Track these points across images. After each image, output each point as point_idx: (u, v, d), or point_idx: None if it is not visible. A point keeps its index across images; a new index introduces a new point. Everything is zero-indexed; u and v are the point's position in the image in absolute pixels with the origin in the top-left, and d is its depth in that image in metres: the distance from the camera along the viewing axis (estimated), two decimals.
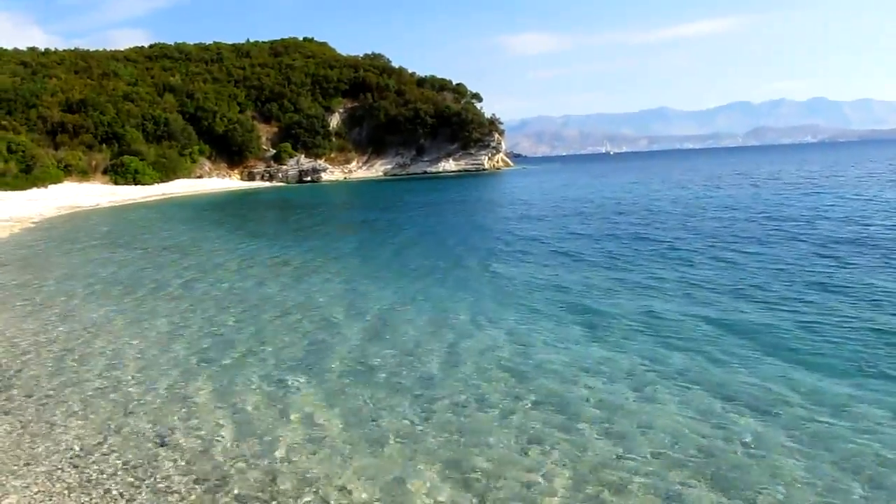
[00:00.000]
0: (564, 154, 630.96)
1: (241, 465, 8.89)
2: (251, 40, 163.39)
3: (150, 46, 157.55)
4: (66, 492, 8.28)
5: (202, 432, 9.93)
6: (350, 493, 8.08)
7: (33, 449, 9.52)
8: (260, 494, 8.15)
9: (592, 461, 8.60)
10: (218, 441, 9.62)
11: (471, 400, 10.77)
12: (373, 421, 10.11)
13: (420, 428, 9.81)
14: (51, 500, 8.11)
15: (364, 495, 8.02)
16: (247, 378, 12.22)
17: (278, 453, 9.15)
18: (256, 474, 8.61)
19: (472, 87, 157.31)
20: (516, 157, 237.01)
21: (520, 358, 12.83)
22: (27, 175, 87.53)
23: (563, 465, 8.54)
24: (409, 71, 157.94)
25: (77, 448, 9.50)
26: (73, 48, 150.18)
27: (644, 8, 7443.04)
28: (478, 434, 9.50)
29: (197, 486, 8.35)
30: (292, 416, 10.40)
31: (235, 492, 8.22)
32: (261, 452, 9.20)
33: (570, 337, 14.07)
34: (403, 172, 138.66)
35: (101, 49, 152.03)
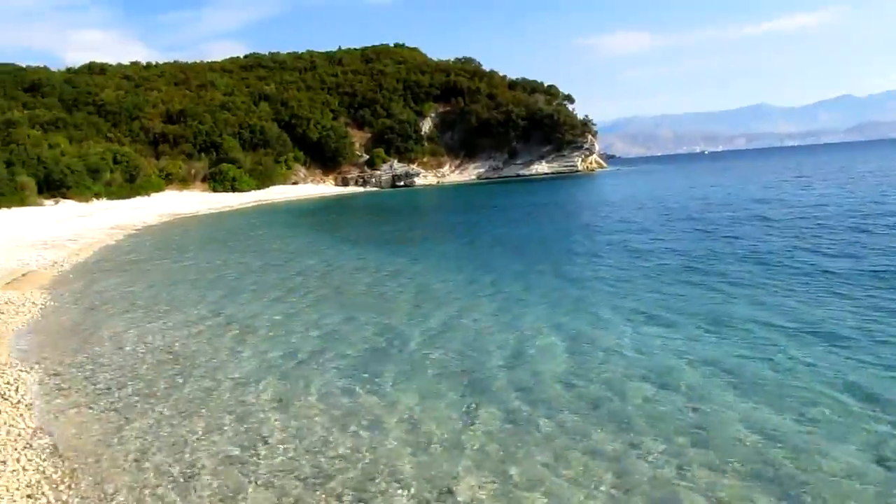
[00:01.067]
0: (659, 154, 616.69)
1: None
2: (343, 48, 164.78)
3: (246, 57, 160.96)
4: (170, 486, 8.38)
5: (305, 433, 9.75)
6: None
7: (140, 444, 9.62)
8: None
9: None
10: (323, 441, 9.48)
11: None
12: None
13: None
14: (156, 493, 8.22)
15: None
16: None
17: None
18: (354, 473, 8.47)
19: (564, 89, 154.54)
20: (610, 159, 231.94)
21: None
22: (131, 184, 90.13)
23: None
24: (501, 74, 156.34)
25: (183, 445, 9.53)
26: (172, 61, 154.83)
27: (741, 2, 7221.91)
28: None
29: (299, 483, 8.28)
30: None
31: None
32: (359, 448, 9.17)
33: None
34: (496, 175, 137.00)
35: (198, 61, 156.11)
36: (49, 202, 71.21)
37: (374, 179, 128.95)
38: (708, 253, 23.65)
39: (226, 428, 10.00)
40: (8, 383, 12.45)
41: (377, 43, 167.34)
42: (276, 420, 10.22)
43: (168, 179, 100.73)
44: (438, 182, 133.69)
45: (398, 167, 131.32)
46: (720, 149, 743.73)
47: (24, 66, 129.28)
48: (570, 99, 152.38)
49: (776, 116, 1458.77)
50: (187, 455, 9.14)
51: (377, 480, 8.17)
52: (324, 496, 7.87)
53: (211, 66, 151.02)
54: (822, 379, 10.39)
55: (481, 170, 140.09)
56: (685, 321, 14.48)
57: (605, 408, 9.96)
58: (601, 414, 9.76)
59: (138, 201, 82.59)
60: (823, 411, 9.27)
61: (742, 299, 16.16)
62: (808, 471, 7.74)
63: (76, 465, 8.99)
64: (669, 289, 18.12)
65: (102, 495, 8.17)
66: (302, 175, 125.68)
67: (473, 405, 10.34)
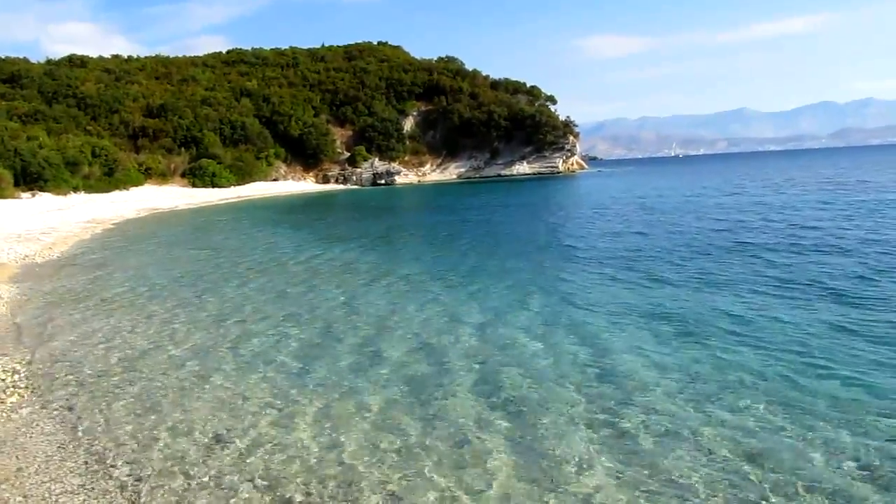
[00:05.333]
0: (640, 157, 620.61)
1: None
2: (326, 45, 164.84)
3: (228, 52, 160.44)
4: (117, 490, 8.22)
5: (253, 432, 9.74)
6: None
7: (91, 446, 9.46)
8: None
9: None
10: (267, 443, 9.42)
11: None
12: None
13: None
14: (104, 496, 8.08)
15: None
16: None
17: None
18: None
19: (547, 90, 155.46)
20: (592, 160, 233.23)
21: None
22: (110, 178, 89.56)
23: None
24: (483, 74, 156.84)
25: (137, 447, 9.39)
26: (153, 55, 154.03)
27: (725, 7, 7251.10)
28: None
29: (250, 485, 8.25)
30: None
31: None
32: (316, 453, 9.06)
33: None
34: (477, 175, 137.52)
35: (180, 56, 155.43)
36: (26, 195, 70.68)
37: (354, 177, 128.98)
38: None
39: (182, 426, 9.92)
40: None
41: (360, 41, 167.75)
42: (232, 419, 10.15)
43: (147, 174, 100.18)
44: (419, 181, 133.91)
45: (379, 165, 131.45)
46: (702, 152, 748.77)
47: (2, 56, 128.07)
48: (552, 100, 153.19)
49: (757, 121, 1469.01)
50: (140, 457, 9.00)
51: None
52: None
53: (192, 61, 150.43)
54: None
55: (462, 169, 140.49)
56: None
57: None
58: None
59: (116, 195, 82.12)
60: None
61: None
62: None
63: (22, 465, 8.84)
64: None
65: (47, 495, 8.05)
66: (282, 172, 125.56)
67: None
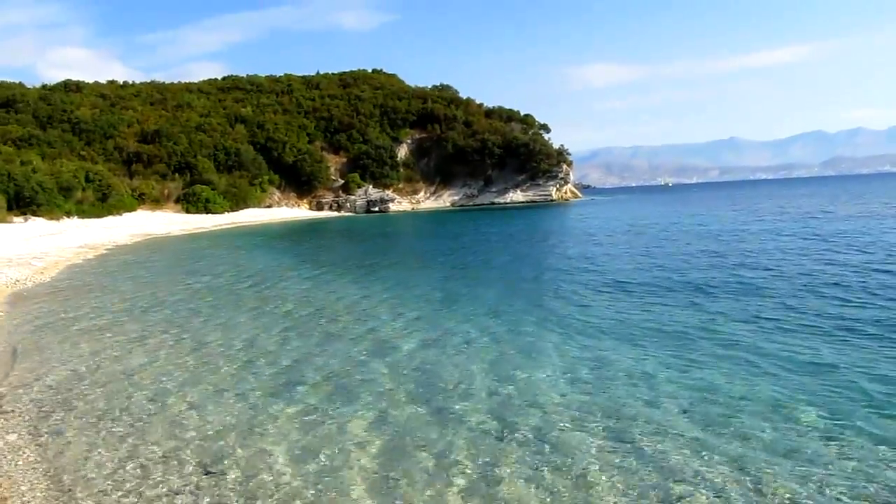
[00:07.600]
0: (634, 185, 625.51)
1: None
2: (321, 72, 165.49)
3: (223, 79, 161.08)
4: None
5: (248, 463, 9.59)
6: None
7: (82, 473, 9.35)
8: None
9: None
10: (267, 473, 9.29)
11: None
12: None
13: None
14: None
15: None
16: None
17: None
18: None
19: (541, 118, 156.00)
20: (585, 189, 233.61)
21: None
22: (103, 203, 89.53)
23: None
24: (477, 102, 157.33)
25: (123, 474, 9.28)
26: (149, 81, 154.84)
27: (717, 37, 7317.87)
28: None
29: None
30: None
31: None
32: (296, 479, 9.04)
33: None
34: (471, 203, 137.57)
35: (176, 82, 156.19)
36: (18, 219, 70.64)
37: (348, 204, 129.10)
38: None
39: (172, 460, 9.66)
40: None
41: (355, 68, 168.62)
42: (222, 448, 10.04)
43: (141, 199, 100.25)
44: (413, 208, 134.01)
45: (373, 192, 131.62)
46: (694, 180, 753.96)
47: None
48: (545, 128, 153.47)
49: (749, 150, 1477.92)
50: (127, 485, 8.91)
51: None
52: None
53: (188, 87, 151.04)
54: None
55: (456, 197, 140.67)
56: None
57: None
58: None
59: (110, 221, 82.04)
60: None
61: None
62: None
63: (6, 494, 8.72)
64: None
65: None
66: (276, 198, 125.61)
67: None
